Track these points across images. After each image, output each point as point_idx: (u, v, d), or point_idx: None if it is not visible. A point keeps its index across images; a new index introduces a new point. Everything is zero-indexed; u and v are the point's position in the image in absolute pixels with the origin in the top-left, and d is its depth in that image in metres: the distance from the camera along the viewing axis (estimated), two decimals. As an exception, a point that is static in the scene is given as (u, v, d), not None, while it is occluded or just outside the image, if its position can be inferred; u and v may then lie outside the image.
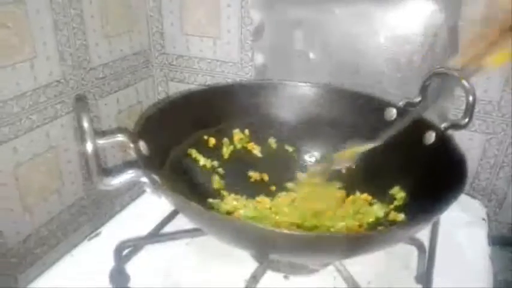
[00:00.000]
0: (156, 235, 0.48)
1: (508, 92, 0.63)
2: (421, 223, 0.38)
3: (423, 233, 0.52)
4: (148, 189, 0.36)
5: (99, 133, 0.39)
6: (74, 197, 0.69)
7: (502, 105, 0.64)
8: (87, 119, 0.34)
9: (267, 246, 0.34)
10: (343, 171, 0.55)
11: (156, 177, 0.36)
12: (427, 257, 0.49)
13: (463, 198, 0.64)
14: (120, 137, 0.40)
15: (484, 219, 0.60)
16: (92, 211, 0.73)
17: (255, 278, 0.38)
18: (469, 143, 0.68)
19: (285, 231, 0.31)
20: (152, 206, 0.51)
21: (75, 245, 0.53)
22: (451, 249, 0.52)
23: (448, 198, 0.38)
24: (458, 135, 0.68)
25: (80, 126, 0.34)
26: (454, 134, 0.67)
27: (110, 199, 0.76)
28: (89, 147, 0.33)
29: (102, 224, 0.56)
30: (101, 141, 0.38)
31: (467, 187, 0.70)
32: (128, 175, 0.35)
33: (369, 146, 0.50)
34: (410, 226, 0.38)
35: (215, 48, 0.76)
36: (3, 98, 0.54)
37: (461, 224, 0.58)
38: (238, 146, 0.57)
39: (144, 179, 0.35)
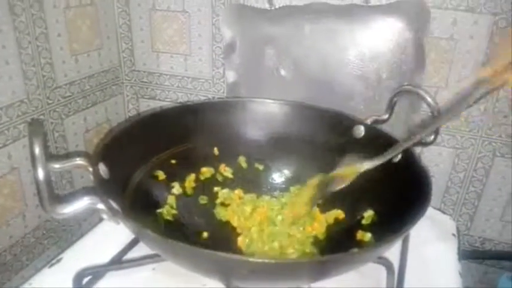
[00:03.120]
0: (119, 261, 0.46)
1: (476, 107, 0.64)
2: (387, 244, 0.37)
3: (393, 250, 0.52)
4: (105, 216, 0.35)
5: (56, 157, 0.37)
6: (39, 219, 0.67)
7: (470, 121, 0.65)
8: (39, 144, 0.33)
9: (228, 273, 0.33)
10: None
11: (113, 203, 0.35)
12: (397, 275, 0.48)
13: (433, 213, 0.65)
14: (79, 161, 0.39)
15: (454, 234, 0.60)
16: (57, 234, 0.71)
17: (219, 304, 0.37)
18: (438, 158, 0.69)
19: (245, 258, 0.30)
20: (117, 229, 0.49)
21: (40, 269, 0.51)
22: (421, 266, 0.52)
23: (413, 218, 0.37)
24: (428, 150, 0.69)
25: (32, 152, 0.32)
26: (423, 149, 0.69)
27: (76, 221, 0.74)
28: (40, 173, 0.32)
29: (69, 246, 0.54)
30: (56, 166, 0.36)
31: (437, 202, 0.71)
32: (84, 202, 0.34)
33: (368, 165, 0.47)
34: (376, 248, 0.38)
35: (186, 65, 0.75)
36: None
37: (431, 240, 0.58)
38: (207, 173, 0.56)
39: (100, 206, 0.34)
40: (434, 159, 0.69)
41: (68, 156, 0.39)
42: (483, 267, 0.75)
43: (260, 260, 0.30)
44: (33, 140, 0.33)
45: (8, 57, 0.57)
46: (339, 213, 0.52)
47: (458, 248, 0.58)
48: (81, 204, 0.33)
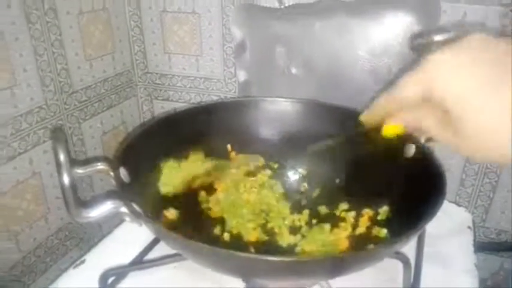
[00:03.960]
0: (140, 262, 0.48)
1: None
2: (403, 240, 0.38)
3: (409, 245, 0.53)
4: (128, 219, 0.36)
5: (78, 162, 0.38)
6: (61, 222, 0.69)
7: (483, 113, 0.65)
8: (63, 151, 0.34)
9: (248, 271, 0.34)
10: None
11: (136, 206, 0.36)
12: (414, 269, 0.49)
13: (448, 206, 0.65)
14: (100, 166, 0.40)
15: (469, 227, 0.60)
16: (79, 235, 0.73)
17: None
18: (449, 151, 0.68)
19: (264, 257, 0.31)
20: (137, 230, 0.51)
21: (64, 270, 0.52)
22: (437, 259, 0.53)
23: (429, 213, 0.38)
24: (438, 143, 0.69)
25: (56, 159, 0.33)
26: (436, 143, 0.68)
27: (97, 222, 0.75)
28: (65, 179, 0.33)
29: (90, 247, 0.56)
30: (80, 171, 0.38)
31: (452, 195, 0.71)
32: (107, 206, 0.35)
33: None
34: (392, 244, 0.39)
35: (198, 65, 0.76)
36: (-18, 128, 0.54)
37: (447, 233, 0.58)
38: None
39: (123, 210, 0.35)
40: (448, 153, 0.69)
41: (89, 161, 0.40)
42: (500, 259, 0.75)
43: (284, 259, 0.31)
44: (56, 147, 0.34)
45: (26, 64, 0.58)
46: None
47: (474, 240, 0.58)
48: (105, 208, 0.35)
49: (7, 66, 0.56)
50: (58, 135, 0.35)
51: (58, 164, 0.33)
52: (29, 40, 0.58)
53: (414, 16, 0.61)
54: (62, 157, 0.34)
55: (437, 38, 0.48)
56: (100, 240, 0.56)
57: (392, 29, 0.62)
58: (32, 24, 0.58)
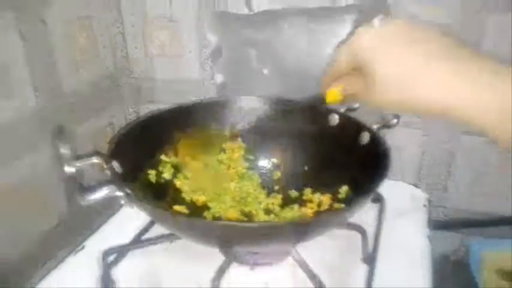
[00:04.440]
0: (138, 241, 0.54)
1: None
2: (352, 207, 0.45)
3: (371, 220, 0.61)
4: (122, 201, 0.42)
5: (76, 157, 0.44)
6: (57, 220, 0.74)
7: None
8: (65, 146, 0.40)
9: (227, 239, 0.41)
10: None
11: (128, 190, 0.42)
12: (374, 240, 0.57)
13: (407, 188, 0.73)
14: (95, 159, 0.46)
15: (425, 205, 0.68)
16: (72, 233, 0.78)
17: (221, 269, 0.44)
18: (409, 139, 0.77)
19: (242, 224, 0.38)
20: (132, 218, 0.58)
21: (54, 268, 0.57)
22: (394, 232, 0.60)
23: (375, 183, 0.45)
24: (399, 132, 0.77)
25: (58, 153, 0.39)
26: (395, 132, 0.76)
27: (89, 217, 0.81)
28: (68, 169, 0.39)
29: (89, 235, 0.61)
30: (77, 164, 0.44)
31: (413, 178, 0.79)
32: (105, 191, 0.41)
33: None
34: (345, 210, 0.46)
35: (178, 69, 0.83)
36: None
37: (405, 210, 0.66)
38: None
39: (119, 193, 0.42)
40: (405, 140, 0.77)
41: (84, 155, 0.46)
42: (459, 236, 0.83)
43: (259, 224, 0.38)
44: (59, 143, 0.40)
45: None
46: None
47: (429, 217, 0.66)
48: (103, 192, 0.41)
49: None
50: (60, 132, 0.41)
51: (61, 157, 0.39)
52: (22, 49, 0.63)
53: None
54: (63, 151, 0.40)
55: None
56: (98, 227, 0.61)
57: (353, 31, 0.70)
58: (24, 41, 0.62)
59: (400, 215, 0.65)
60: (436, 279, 0.54)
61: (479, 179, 0.76)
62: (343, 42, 0.41)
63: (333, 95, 0.44)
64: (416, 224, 0.64)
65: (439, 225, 0.76)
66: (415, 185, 0.75)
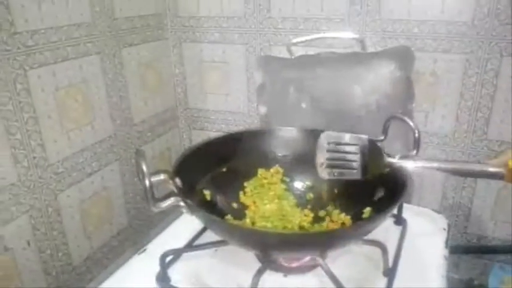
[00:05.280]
0: (191, 246, 0.65)
1: (458, 126, 0.80)
2: (372, 223, 0.54)
3: (393, 240, 0.68)
4: (184, 210, 0.54)
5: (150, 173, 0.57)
6: (121, 226, 0.87)
7: (456, 137, 0.81)
8: (145, 163, 0.52)
9: (265, 244, 0.51)
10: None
11: (188, 200, 0.54)
12: (394, 257, 0.64)
13: (429, 213, 0.80)
14: (163, 176, 0.58)
15: (444, 228, 0.75)
16: (133, 238, 0.91)
17: (259, 272, 0.54)
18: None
19: (278, 231, 0.48)
20: (183, 228, 0.69)
21: (120, 266, 0.67)
22: (413, 250, 0.67)
23: (391, 207, 0.54)
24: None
25: (141, 169, 0.52)
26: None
27: (146, 228, 0.94)
28: (147, 183, 0.51)
29: (150, 240, 0.73)
30: (152, 179, 0.56)
31: (436, 205, 0.86)
32: (171, 201, 0.53)
33: None
34: (365, 224, 0.55)
35: (227, 102, 0.96)
36: (73, 151, 0.74)
37: (425, 232, 0.73)
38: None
39: (181, 203, 0.53)
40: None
41: (155, 173, 0.58)
42: (482, 261, 0.88)
43: (292, 232, 0.47)
44: (140, 161, 0.52)
45: (101, 104, 0.78)
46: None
47: (447, 238, 0.73)
48: (170, 202, 0.53)
49: (89, 107, 0.76)
50: (140, 153, 0.54)
51: (142, 173, 0.51)
52: (104, 87, 0.79)
53: (395, 63, 0.79)
54: (144, 168, 0.52)
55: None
56: (158, 234, 0.73)
57: (378, 73, 0.80)
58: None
59: (421, 236, 0.72)
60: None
61: (502, 205, 0.82)
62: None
63: None
64: (434, 245, 0.71)
65: (462, 250, 0.82)
66: (437, 211, 0.82)
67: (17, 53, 0.63)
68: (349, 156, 0.61)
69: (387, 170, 0.65)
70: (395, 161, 0.60)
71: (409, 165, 0.59)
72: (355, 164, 0.60)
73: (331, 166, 0.62)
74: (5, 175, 0.63)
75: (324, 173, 0.62)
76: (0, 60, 0.61)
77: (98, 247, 0.82)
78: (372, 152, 0.62)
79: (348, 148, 0.61)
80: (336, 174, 0.62)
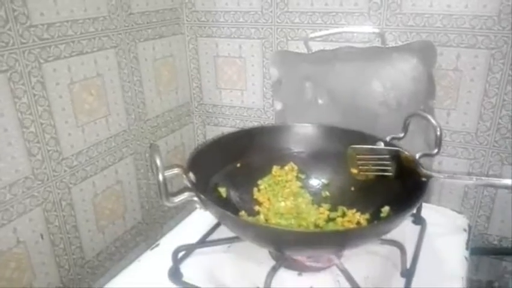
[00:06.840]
0: (204, 241, 0.65)
1: (481, 124, 0.77)
2: (388, 221, 0.52)
3: (412, 240, 0.66)
4: (197, 205, 0.53)
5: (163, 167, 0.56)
6: (134, 221, 0.87)
7: (479, 135, 0.78)
8: (159, 158, 0.51)
9: (280, 242, 0.50)
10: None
11: (202, 196, 0.53)
12: (412, 257, 0.62)
13: (449, 213, 0.78)
14: (177, 170, 0.57)
15: (465, 229, 0.72)
16: (146, 233, 0.91)
17: (273, 269, 0.53)
18: (455, 167, 0.81)
19: (293, 229, 0.46)
20: (197, 223, 0.68)
21: (132, 260, 0.66)
22: (432, 251, 0.65)
23: (409, 207, 0.52)
24: (446, 162, 0.82)
25: (155, 164, 0.51)
26: (442, 160, 0.81)
27: (160, 224, 0.94)
28: (161, 177, 0.50)
29: (155, 242, 0.73)
30: (166, 173, 0.55)
31: (457, 205, 0.83)
32: (184, 196, 0.52)
33: None
34: (381, 224, 0.53)
35: (242, 98, 0.94)
36: (88, 145, 0.74)
37: (445, 232, 0.71)
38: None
39: (195, 198, 0.52)
40: (451, 169, 0.82)
41: (169, 167, 0.58)
42: (503, 263, 0.85)
43: (308, 231, 0.46)
44: (154, 156, 0.51)
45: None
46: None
47: (468, 239, 0.70)
48: (184, 196, 0.52)
49: (104, 101, 0.76)
50: (154, 147, 0.53)
51: (156, 167, 0.51)
52: (119, 81, 0.78)
53: (416, 58, 0.76)
54: (158, 162, 0.51)
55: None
56: (171, 229, 0.73)
57: (399, 68, 0.78)
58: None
59: (440, 236, 0.70)
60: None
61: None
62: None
63: None
64: (454, 245, 0.68)
65: (482, 251, 0.79)
66: (458, 212, 0.79)
67: (32, 46, 0.63)
68: (382, 163, 0.64)
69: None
70: (436, 175, 0.57)
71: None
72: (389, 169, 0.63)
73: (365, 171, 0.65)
74: (18, 168, 0.63)
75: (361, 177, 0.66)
76: (16, 53, 0.60)
77: (111, 241, 0.81)
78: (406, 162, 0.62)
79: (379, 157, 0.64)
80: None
